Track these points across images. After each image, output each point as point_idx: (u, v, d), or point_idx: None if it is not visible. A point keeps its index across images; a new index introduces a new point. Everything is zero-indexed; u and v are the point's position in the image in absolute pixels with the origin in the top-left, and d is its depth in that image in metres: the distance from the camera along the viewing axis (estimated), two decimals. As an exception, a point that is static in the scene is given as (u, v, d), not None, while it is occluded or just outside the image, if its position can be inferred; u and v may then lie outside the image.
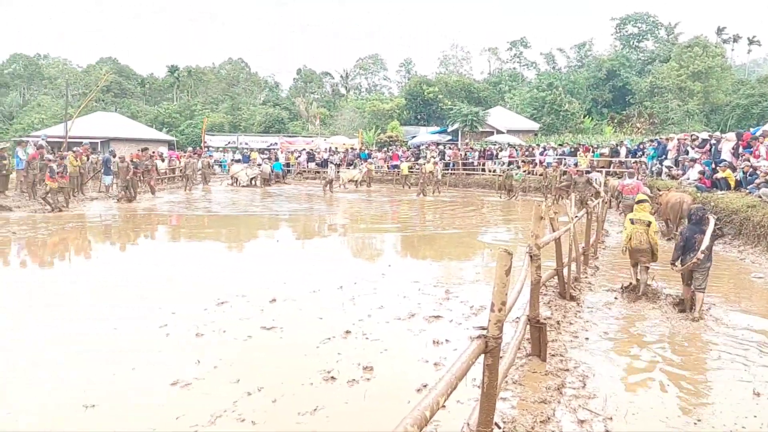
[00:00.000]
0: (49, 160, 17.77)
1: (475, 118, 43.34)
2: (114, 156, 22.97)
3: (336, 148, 42.68)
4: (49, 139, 26.31)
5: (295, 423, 4.38)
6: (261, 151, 42.40)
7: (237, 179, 31.52)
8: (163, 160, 31.48)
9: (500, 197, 25.79)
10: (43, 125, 50.33)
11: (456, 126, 44.64)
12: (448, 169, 34.26)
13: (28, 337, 6.24)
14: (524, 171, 27.28)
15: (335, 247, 13.60)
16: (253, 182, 31.01)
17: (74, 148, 23.48)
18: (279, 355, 5.88)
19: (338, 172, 33.57)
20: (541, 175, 26.20)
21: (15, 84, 75.98)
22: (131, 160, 21.66)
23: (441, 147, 38.47)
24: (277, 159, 36.78)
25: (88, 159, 23.40)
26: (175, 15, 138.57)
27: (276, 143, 46.98)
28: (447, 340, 6.22)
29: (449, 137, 44.54)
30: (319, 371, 5.31)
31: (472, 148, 36.73)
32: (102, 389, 4.92)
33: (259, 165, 32.34)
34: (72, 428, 4.29)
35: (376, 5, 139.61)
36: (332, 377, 5.20)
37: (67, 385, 5.03)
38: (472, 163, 34.44)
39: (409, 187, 31.81)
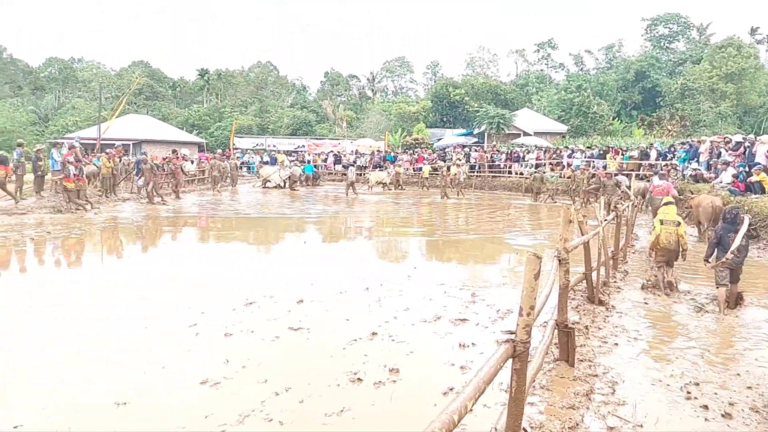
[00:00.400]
0: (69, 162, 18.12)
1: (501, 120, 43.12)
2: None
3: (358, 150, 42.90)
4: (82, 141, 26.90)
5: (322, 424, 4.40)
6: (288, 153, 42.80)
7: (268, 181, 31.84)
8: (192, 162, 31.98)
9: (535, 201, 25.65)
10: (77, 127, 51.58)
11: (482, 128, 44.48)
12: (473, 172, 34.13)
13: (56, 335, 6.35)
14: (556, 174, 27.06)
15: (361, 249, 13.64)
16: (285, 184, 31.31)
17: (107, 150, 24.01)
18: (306, 355, 5.92)
19: (363, 174, 33.68)
20: (569, 177, 25.99)
21: (51, 87, 78.00)
22: (153, 162, 21.96)
23: (467, 149, 38.36)
24: (309, 162, 37.09)
25: (120, 161, 23.89)
26: (175, 15, 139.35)
27: (303, 145, 47.39)
28: (473, 344, 6.20)
29: (475, 139, 44.42)
30: (345, 372, 5.33)
31: (498, 151, 36.56)
32: (133, 387, 5.00)
33: (289, 167, 32.64)
34: (104, 425, 4.36)
35: (377, 5, 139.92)
36: (359, 379, 5.22)
37: (99, 383, 5.12)
38: (499, 165, 34.25)
39: (428, 189, 31.82)
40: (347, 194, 27.78)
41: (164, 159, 25.71)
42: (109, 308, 7.42)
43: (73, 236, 13.51)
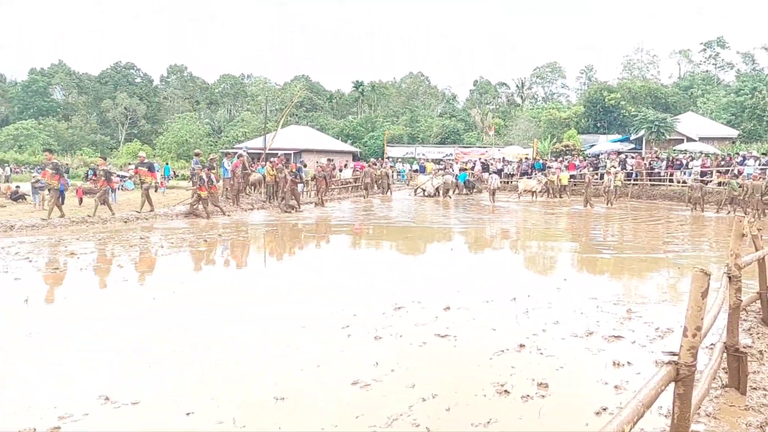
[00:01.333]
0: (200, 169, 19.59)
1: (662, 125, 40.20)
2: (305, 166, 24.92)
3: (505, 158, 42.35)
4: (249, 151, 29.30)
5: (469, 433, 4.42)
6: (437, 161, 43.38)
7: (422, 189, 32.54)
8: (341, 170, 33.69)
9: (702, 211, 23.71)
10: (246, 138, 56.20)
11: (640, 133, 41.84)
12: (630, 180, 32.28)
13: (221, 333, 6.94)
14: (735, 182, 24.70)
15: (507, 258, 13.47)
16: (437, 192, 31.78)
17: (271, 159, 25.95)
18: (452, 363, 5.96)
19: (510, 182, 33.07)
20: (740, 186, 23.62)
21: (223, 101, 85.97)
22: (291, 171, 23.07)
23: (622, 156, 36.31)
24: (463, 170, 37.38)
25: (282, 169, 25.72)
26: (175, 15, 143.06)
27: (451, 154, 47.71)
28: (629, 363, 5.87)
29: (632, 145, 41.91)
30: (492, 383, 5.29)
31: (658, 157, 34.18)
32: (290, 383, 5.32)
33: (442, 175, 33.10)
34: (265, 418, 4.69)
35: (377, 5, 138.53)
36: (506, 391, 5.16)
37: (261, 378, 5.50)
38: (659, 173, 32.02)
39: (565, 197, 30.62)
40: (492, 202, 27.73)
41: (294, 166, 27.12)
42: (269, 306, 8.03)
43: (241, 239, 14.77)
